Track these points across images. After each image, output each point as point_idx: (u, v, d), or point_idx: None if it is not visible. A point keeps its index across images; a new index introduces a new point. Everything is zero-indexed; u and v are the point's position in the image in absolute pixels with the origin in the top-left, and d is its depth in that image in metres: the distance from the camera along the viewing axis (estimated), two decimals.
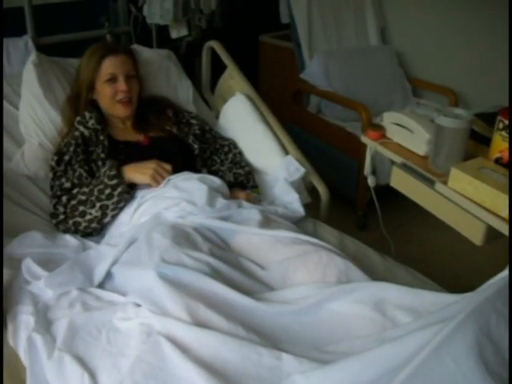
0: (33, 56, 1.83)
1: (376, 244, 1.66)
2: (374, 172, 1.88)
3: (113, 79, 1.74)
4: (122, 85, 1.74)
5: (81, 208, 1.57)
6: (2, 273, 1.27)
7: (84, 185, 1.61)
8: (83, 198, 1.57)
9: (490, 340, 0.74)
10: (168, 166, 1.63)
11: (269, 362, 1.00)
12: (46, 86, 1.79)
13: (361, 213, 2.66)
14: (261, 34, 3.63)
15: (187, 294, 1.13)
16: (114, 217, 1.59)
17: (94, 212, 1.56)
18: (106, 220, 1.58)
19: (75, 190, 1.60)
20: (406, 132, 1.61)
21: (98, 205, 1.55)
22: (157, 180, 1.59)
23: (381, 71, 3.01)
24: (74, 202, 1.59)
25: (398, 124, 1.64)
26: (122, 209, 1.59)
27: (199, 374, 0.97)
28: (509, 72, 2.62)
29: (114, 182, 1.55)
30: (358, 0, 3.11)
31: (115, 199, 1.55)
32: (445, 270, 2.26)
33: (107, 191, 1.54)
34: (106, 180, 1.55)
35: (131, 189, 1.60)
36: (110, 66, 1.74)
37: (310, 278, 1.24)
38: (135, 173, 1.60)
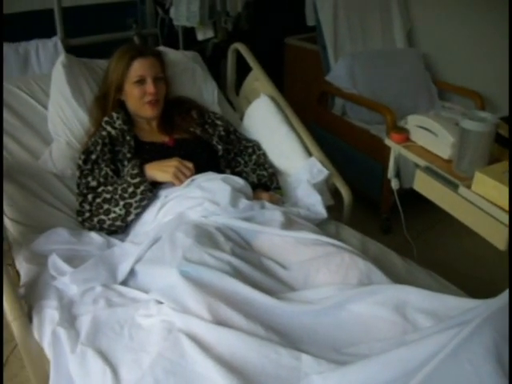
0: (62, 57, 1.86)
1: (400, 248, 1.64)
2: (397, 175, 1.87)
3: (141, 81, 1.77)
4: (150, 87, 1.76)
5: (105, 206, 1.60)
6: (2, 269, 1.30)
7: (109, 183, 1.64)
8: (108, 196, 1.60)
9: (508, 343, 0.74)
10: (190, 164, 1.64)
11: (288, 362, 1.01)
12: (74, 86, 1.83)
13: (385, 216, 2.64)
14: (286, 36, 3.63)
15: (208, 293, 1.15)
16: (137, 215, 1.61)
17: (118, 210, 1.58)
18: (130, 218, 1.60)
19: (100, 189, 1.63)
20: (431, 135, 1.60)
21: (121, 203, 1.57)
22: (179, 178, 1.61)
23: (406, 74, 2.98)
24: (98, 200, 1.61)
25: (422, 127, 1.64)
26: (145, 207, 1.61)
27: (218, 371, 0.98)
28: (509, 73, 2.60)
29: (137, 180, 1.57)
30: (385, 2, 3.10)
31: (138, 197, 1.57)
32: (469, 275, 2.23)
33: (130, 189, 1.57)
34: (128, 178, 1.57)
35: (154, 187, 1.62)
36: (139, 68, 1.77)
37: (332, 279, 1.24)
38: (157, 171, 1.62)
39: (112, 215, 1.59)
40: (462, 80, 2.97)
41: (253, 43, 2.31)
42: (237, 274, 1.24)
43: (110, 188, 1.62)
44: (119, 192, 1.58)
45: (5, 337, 1.95)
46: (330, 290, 1.19)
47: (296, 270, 1.31)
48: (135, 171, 1.58)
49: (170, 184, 1.62)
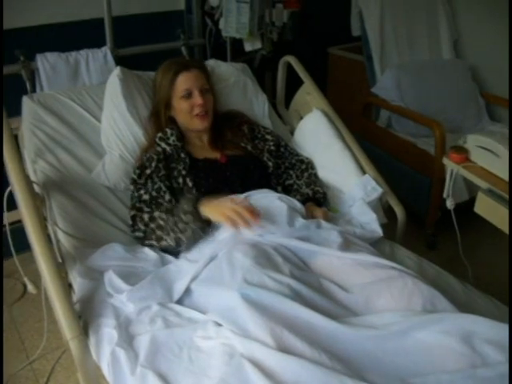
0: (117, 70, 1.86)
1: (445, 265, 1.61)
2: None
3: (188, 95, 1.76)
4: (197, 99, 1.75)
5: (158, 233, 1.55)
6: (2, 278, 1.29)
7: (164, 210, 1.58)
8: (162, 223, 1.54)
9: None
10: (246, 206, 1.45)
11: None
12: (128, 100, 1.82)
13: (430, 231, 2.59)
14: (329, 46, 3.60)
15: (270, 318, 1.13)
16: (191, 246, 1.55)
17: (169, 240, 1.53)
18: (181, 248, 1.55)
19: (156, 213, 1.57)
20: (492, 156, 1.55)
21: (172, 235, 1.52)
22: (234, 221, 1.44)
23: (454, 85, 2.93)
24: (153, 226, 1.56)
25: (483, 147, 1.59)
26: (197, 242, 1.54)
27: None
28: (509, 73, 2.57)
29: (188, 218, 1.50)
30: (431, 11, 3.05)
31: (188, 234, 1.50)
32: None
33: (181, 226, 1.50)
34: (181, 214, 1.51)
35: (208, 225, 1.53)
36: (184, 82, 1.76)
37: (395, 304, 1.21)
38: (212, 210, 1.50)
39: (163, 243, 1.55)
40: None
41: (296, 53, 2.28)
42: (297, 297, 1.21)
43: (163, 215, 1.55)
44: (170, 224, 1.52)
45: (50, 345, 1.96)
46: (395, 316, 1.16)
47: (357, 293, 1.28)
48: (189, 208, 1.50)
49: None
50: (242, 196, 1.59)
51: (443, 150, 2.34)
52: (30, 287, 1.74)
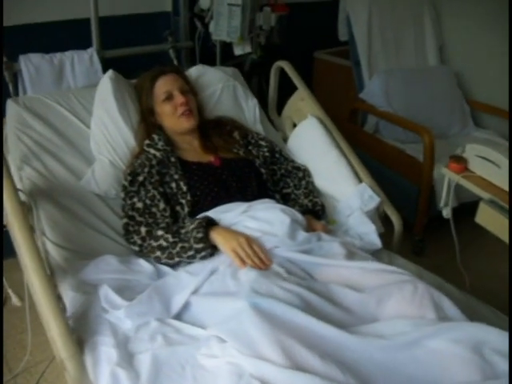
0: (110, 72, 1.82)
1: (437, 272, 1.61)
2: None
3: (169, 97, 1.75)
4: (179, 98, 1.75)
5: (157, 253, 1.50)
6: (2, 279, 1.24)
7: (170, 231, 1.51)
8: (164, 244, 1.49)
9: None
10: (257, 247, 1.41)
11: None
12: (120, 102, 1.77)
13: (418, 238, 2.58)
14: (314, 50, 3.58)
15: (281, 330, 1.09)
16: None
17: (170, 261, 1.50)
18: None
19: (160, 232, 1.52)
20: (492, 166, 1.55)
21: (176, 259, 1.48)
22: (239, 255, 1.39)
23: (440, 92, 2.94)
24: (154, 244, 1.51)
25: (482, 157, 1.58)
26: None
27: None
28: (508, 74, 2.58)
29: (200, 246, 1.44)
30: (418, 18, 3.06)
31: (195, 260, 1.47)
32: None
33: (190, 253, 1.45)
34: (192, 241, 1.44)
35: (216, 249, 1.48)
36: (163, 85, 1.77)
37: (406, 306, 1.20)
38: (221, 238, 1.45)
39: (162, 261, 1.51)
40: (495, 99, 2.91)
41: (283, 57, 2.26)
42: (307, 307, 1.19)
43: (170, 238, 1.49)
44: (177, 249, 1.47)
45: (34, 358, 1.89)
46: (406, 325, 1.13)
47: (368, 294, 1.26)
48: (200, 235, 1.43)
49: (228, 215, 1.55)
50: (244, 206, 1.54)
51: (432, 156, 2.34)
52: (15, 300, 1.67)
